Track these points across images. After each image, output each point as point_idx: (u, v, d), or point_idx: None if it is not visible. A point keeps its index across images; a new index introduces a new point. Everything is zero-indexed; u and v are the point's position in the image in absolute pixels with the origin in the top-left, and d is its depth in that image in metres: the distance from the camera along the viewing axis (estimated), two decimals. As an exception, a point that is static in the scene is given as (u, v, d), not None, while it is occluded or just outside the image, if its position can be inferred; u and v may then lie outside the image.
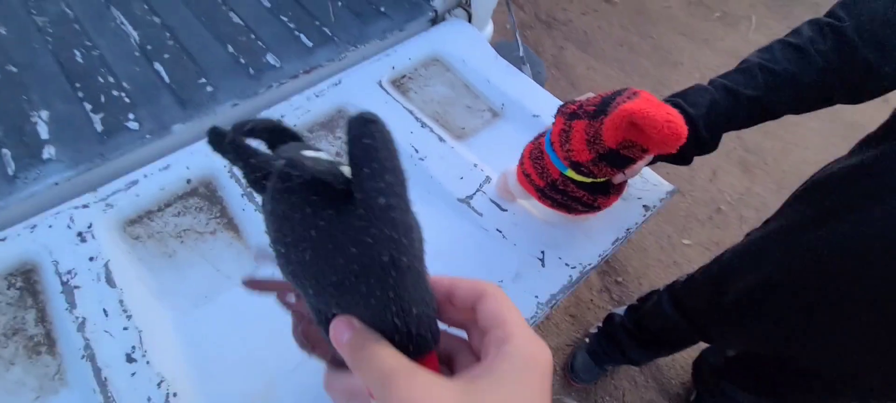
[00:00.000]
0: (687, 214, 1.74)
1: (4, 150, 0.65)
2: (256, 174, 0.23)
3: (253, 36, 0.85)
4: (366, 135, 0.20)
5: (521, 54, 0.78)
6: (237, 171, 0.64)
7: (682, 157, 0.56)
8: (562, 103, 0.53)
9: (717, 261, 0.85)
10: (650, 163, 0.54)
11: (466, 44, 0.84)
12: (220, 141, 0.23)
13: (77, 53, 0.79)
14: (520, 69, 0.79)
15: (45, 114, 0.70)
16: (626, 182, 0.55)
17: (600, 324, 1.35)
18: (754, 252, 0.74)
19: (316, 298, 0.23)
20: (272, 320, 0.54)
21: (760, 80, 0.53)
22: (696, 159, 0.58)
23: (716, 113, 0.54)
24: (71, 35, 0.82)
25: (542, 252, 0.59)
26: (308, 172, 0.20)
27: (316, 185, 0.21)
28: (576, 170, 0.50)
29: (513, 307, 0.24)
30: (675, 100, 0.55)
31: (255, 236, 0.62)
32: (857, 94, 0.53)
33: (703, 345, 1.18)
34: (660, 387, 1.40)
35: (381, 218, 0.20)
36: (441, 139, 0.71)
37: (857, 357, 0.61)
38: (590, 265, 0.59)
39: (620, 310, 1.25)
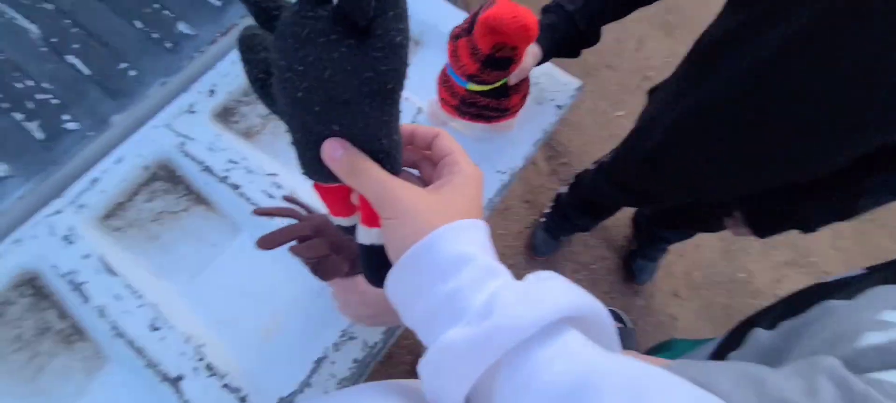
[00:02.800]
0: (618, 87, 1.87)
1: (-46, 179, 0.67)
2: (269, 5, 0.27)
3: (157, 5, 0.83)
4: None
5: (428, -24, 0.81)
6: (189, 149, 0.69)
7: (568, 51, 0.66)
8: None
9: (631, 135, 0.99)
10: (541, 62, 0.64)
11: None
12: None
13: (-19, 62, 0.77)
14: (431, -10, 0.82)
15: (-23, 134, 0.71)
16: (526, 81, 0.65)
17: (552, 204, 1.53)
18: (652, 111, 0.87)
19: (319, 119, 0.27)
20: (263, 269, 0.65)
21: None
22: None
23: (591, 5, 0.63)
24: (-36, 43, 0.78)
25: (477, 164, 0.70)
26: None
27: (342, 18, 0.25)
28: (473, 81, 0.60)
29: (457, 143, 0.34)
30: (557, 0, 0.64)
31: (227, 207, 0.69)
32: None
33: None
34: (607, 244, 1.63)
35: (396, 53, 0.26)
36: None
37: (734, 186, 0.78)
38: (517, 167, 0.70)
39: (565, 189, 1.42)
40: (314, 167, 0.30)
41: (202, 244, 0.68)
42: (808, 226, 0.79)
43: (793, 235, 0.85)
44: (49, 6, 0.82)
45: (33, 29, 0.80)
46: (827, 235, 1.65)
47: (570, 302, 0.25)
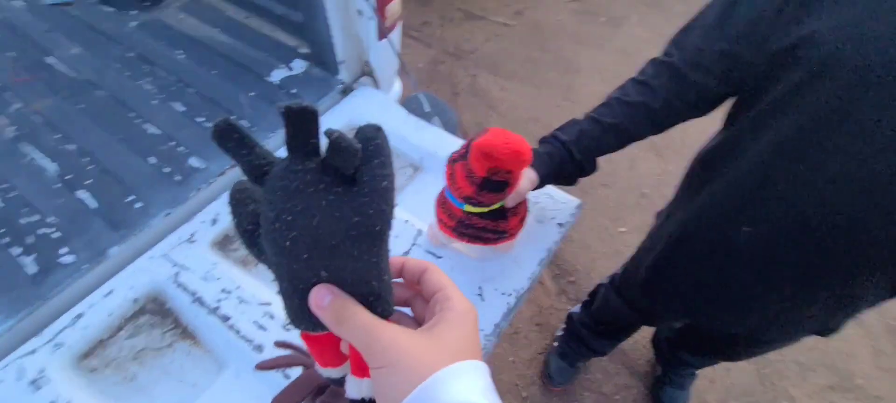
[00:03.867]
0: (617, 204, 1.90)
1: (-67, 318, 0.64)
2: (260, 163, 0.28)
3: (173, 143, 0.88)
4: (376, 137, 0.28)
5: (427, 109, 0.87)
6: (182, 280, 0.67)
7: (566, 179, 0.67)
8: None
9: (638, 249, 0.97)
10: (537, 188, 0.64)
11: (378, 108, 0.92)
12: (227, 135, 0.27)
13: (-6, 200, 0.79)
14: (429, 122, 0.87)
15: (-30, 270, 0.70)
16: (523, 205, 0.65)
17: (563, 326, 1.44)
18: (654, 232, 0.86)
19: (307, 266, 0.27)
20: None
21: (618, 110, 0.66)
22: (615, 154, 0.69)
23: (585, 138, 0.65)
24: (-17, 182, 0.82)
25: (480, 287, 0.67)
26: (341, 156, 0.26)
27: (330, 169, 0.27)
28: (470, 203, 0.60)
29: (447, 277, 0.32)
30: (554, 132, 0.67)
31: (213, 341, 0.65)
32: (701, 109, 0.67)
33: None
34: (630, 371, 1.50)
35: (383, 197, 0.27)
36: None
37: (747, 314, 0.73)
38: (523, 289, 0.67)
39: (577, 309, 1.35)
40: (301, 316, 0.29)
41: (181, 384, 0.62)
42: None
43: (830, 356, 0.77)
44: (72, 147, 0.88)
45: (52, 167, 0.84)
46: (867, 354, 1.52)
47: None
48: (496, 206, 0.61)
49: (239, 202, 0.30)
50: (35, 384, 0.59)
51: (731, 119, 0.70)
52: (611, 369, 1.50)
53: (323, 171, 0.27)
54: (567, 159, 0.66)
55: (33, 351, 0.62)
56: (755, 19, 0.58)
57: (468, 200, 0.60)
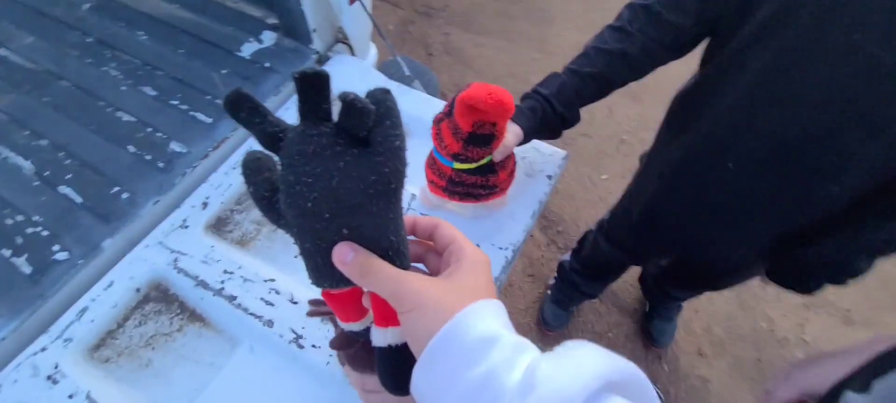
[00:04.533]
0: (597, 152, 1.94)
1: (-68, 329, 0.63)
2: (273, 131, 0.29)
3: (150, 129, 0.86)
4: (387, 99, 0.29)
5: (407, 73, 0.86)
6: (182, 265, 0.67)
7: (550, 132, 0.68)
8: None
9: (625, 193, 1.00)
10: (523, 143, 0.66)
11: (356, 76, 0.91)
12: (240, 104, 0.28)
13: (-29, 204, 0.76)
14: (410, 86, 0.87)
15: (-39, 277, 0.68)
16: (511, 158, 0.66)
17: (555, 274, 1.50)
18: (641, 175, 0.89)
19: (329, 225, 0.29)
20: (263, 385, 0.60)
21: (596, 59, 0.67)
22: (590, 106, 0.70)
23: (566, 90, 0.66)
24: (-43, 188, 0.78)
25: (478, 244, 0.68)
26: (355, 115, 0.27)
27: (344, 132, 0.28)
28: (458, 160, 0.61)
29: (457, 230, 0.34)
30: (535, 87, 0.68)
31: (223, 321, 0.66)
32: (678, 51, 0.68)
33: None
34: (620, 309, 1.58)
35: (396, 156, 0.29)
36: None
37: (736, 244, 0.77)
38: (519, 242, 0.69)
39: (567, 256, 1.40)
40: (325, 273, 0.31)
41: (198, 365, 0.63)
42: (835, 276, 0.71)
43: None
44: (44, 142, 0.84)
45: (27, 165, 0.81)
46: (834, 269, 1.63)
47: (609, 368, 0.24)
48: (484, 161, 0.63)
49: (253, 171, 0.31)
50: (51, 379, 0.60)
51: (707, 58, 0.72)
52: (602, 310, 1.58)
53: (337, 135, 0.28)
54: (550, 112, 0.67)
55: (44, 349, 0.62)
56: None
57: (456, 157, 0.61)
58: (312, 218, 0.28)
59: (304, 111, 0.28)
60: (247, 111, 0.28)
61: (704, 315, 1.55)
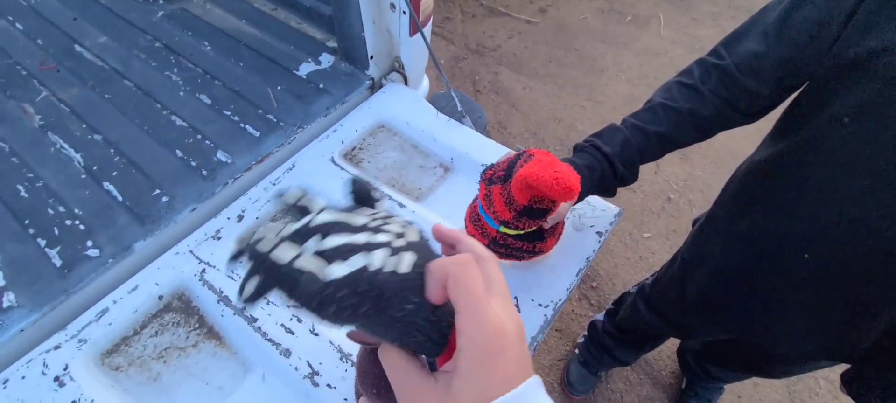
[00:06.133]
0: (642, 209, 1.85)
1: (-41, 309, 0.63)
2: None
3: (199, 136, 0.86)
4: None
5: (459, 109, 0.84)
6: (208, 277, 0.65)
7: (604, 191, 0.63)
8: (483, 167, 0.59)
9: (675, 260, 0.92)
10: (577, 202, 0.60)
11: (407, 106, 0.89)
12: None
13: (20, 188, 0.78)
14: (460, 121, 0.84)
15: (-4, 260, 0.69)
16: (561, 223, 0.61)
17: (585, 333, 1.41)
18: (700, 245, 0.81)
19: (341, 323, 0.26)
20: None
21: (664, 118, 0.62)
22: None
23: (629, 149, 0.61)
24: (10, 170, 0.81)
25: (516, 298, 0.64)
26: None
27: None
28: (506, 226, 0.56)
29: (466, 285, 0.25)
30: (592, 141, 0.63)
31: (239, 343, 0.63)
32: (749, 116, 0.62)
33: (679, 334, 1.25)
34: (653, 382, 1.46)
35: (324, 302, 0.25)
36: (401, 205, 0.75)
37: (800, 334, 0.68)
38: (560, 301, 0.63)
39: (600, 316, 1.31)
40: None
41: (207, 387, 0.60)
42: None
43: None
44: (97, 137, 0.86)
45: (78, 158, 0.83)
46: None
47: None
48: (533, 229, 0.58)
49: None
50: (58, 380, 0.58)
51: (783, 129, 0.66)
52: (633, 379, 1.46)
53: None
54: (609, 172, 0.62)
55: (58, 347, 0.61)
56: (820, 25, 0.54)
57: (505, 224, 0.56)
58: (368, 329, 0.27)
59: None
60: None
61: (747, 402, 1.41)
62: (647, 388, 1.44)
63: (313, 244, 0.26)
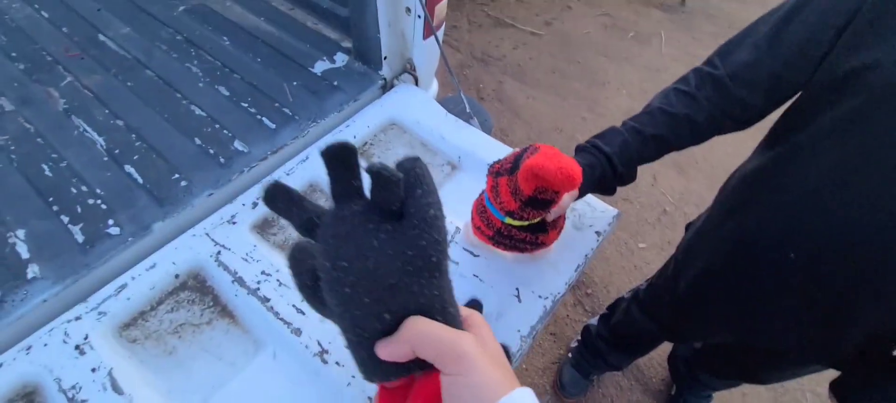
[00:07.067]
0: (638, 219, 1.89)
1: (-14, 277, 0.66)
2: (309, 216, 0.28)
3: (218, 126, 0.90)
4: (416, 166, 0.27)
5: (467, 110, 0.88)
6: (223, 259, 0.68)
7: (604, 189, 0.67)
8: (491, 162, 0.63)
9: (668, 265, 0.96)
10: (579, 198, 0.64)
11: (417, 106, 0.93)
12: (276, 196, 0.28)
13: (45, 167, 0.81)
14: (468, 122, 0.88)
15: (22, 233, 0.72)
16: (562, 217, 0.65)
17: (579, 337, 1.44)
18: (691, 247, 0.85)
19: (370, 310, 0.26)
20: (280, 394, 0.58)
21: (661, 122, 0.66)
22: (638, 168, 0.69)
23: (628, 150, 0.65)
24: (36, 150, 0.84)
25: (517, 289, 0.67)
26: (385, 188, 0.25)
27: (376, 207, 0.26)
28: (511, 217, 0.60)
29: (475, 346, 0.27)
30: (593, 141, 0.67)
31: (252, 321, 0.66)
32: (742, 123, 0.66)
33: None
34: (643, 387, 1.49)
35: (433, 226, 0.27)
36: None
37: (786, 333, 0.72)
38: (559, 293, 0.67)
39: (594, 321, 1.34)
40: (373, 368, 0.28)
41: (219, 362, 0.63)
42: None
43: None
44: (119, 123, 0.90)
45: (100, 141, 0.86)
46: None
47: None
48: (537, 220, 0.62)
49: (298, 261, 0.30)
50: (79, 349, 0.61)
51: (773, 140, 0.70)
52: (624, 384, 1.49)
53: (369, 212, 0.27)
54: (609, 171, 0.66)
55: (79, 318, 0.64)
56: (810, 40, 0.58)
57: (510, 214, 0.60)
58: (352, 304, 0.27)
59: (335, 191, 0.27)
60: (283, 201, 0.28)
61: (737, 412, 1.43)
62: (637, 394, 1.47)
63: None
